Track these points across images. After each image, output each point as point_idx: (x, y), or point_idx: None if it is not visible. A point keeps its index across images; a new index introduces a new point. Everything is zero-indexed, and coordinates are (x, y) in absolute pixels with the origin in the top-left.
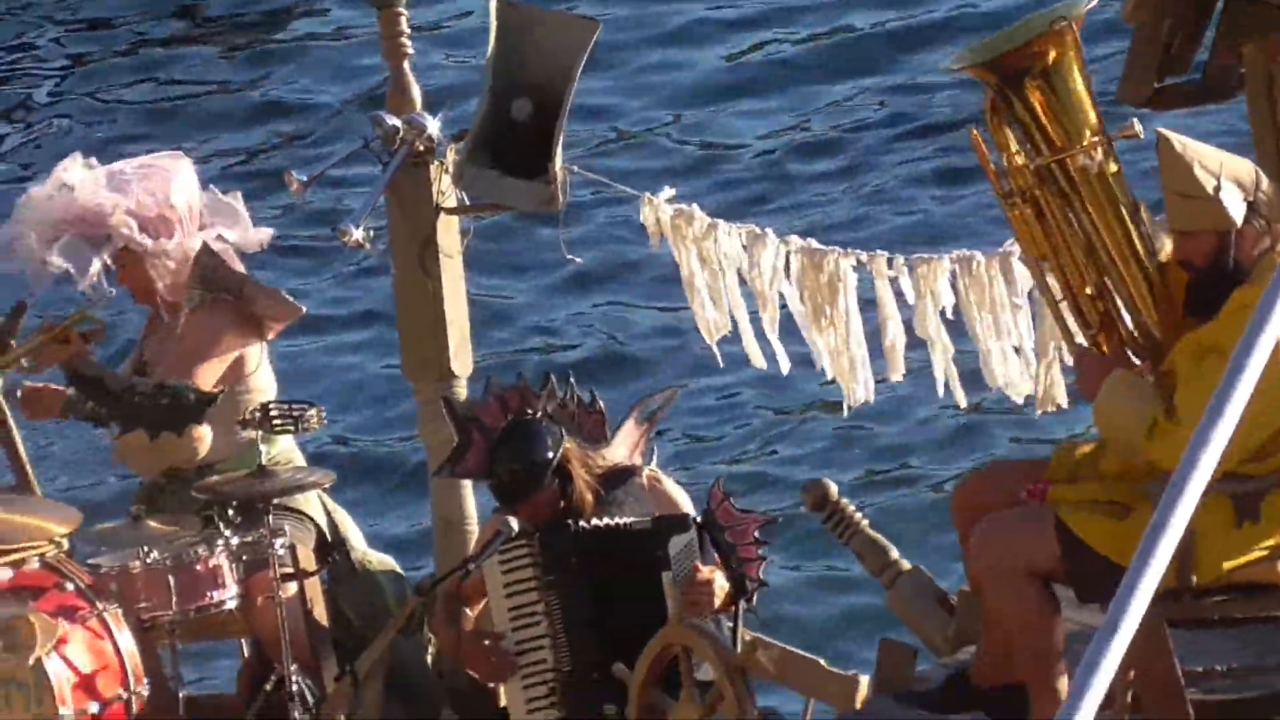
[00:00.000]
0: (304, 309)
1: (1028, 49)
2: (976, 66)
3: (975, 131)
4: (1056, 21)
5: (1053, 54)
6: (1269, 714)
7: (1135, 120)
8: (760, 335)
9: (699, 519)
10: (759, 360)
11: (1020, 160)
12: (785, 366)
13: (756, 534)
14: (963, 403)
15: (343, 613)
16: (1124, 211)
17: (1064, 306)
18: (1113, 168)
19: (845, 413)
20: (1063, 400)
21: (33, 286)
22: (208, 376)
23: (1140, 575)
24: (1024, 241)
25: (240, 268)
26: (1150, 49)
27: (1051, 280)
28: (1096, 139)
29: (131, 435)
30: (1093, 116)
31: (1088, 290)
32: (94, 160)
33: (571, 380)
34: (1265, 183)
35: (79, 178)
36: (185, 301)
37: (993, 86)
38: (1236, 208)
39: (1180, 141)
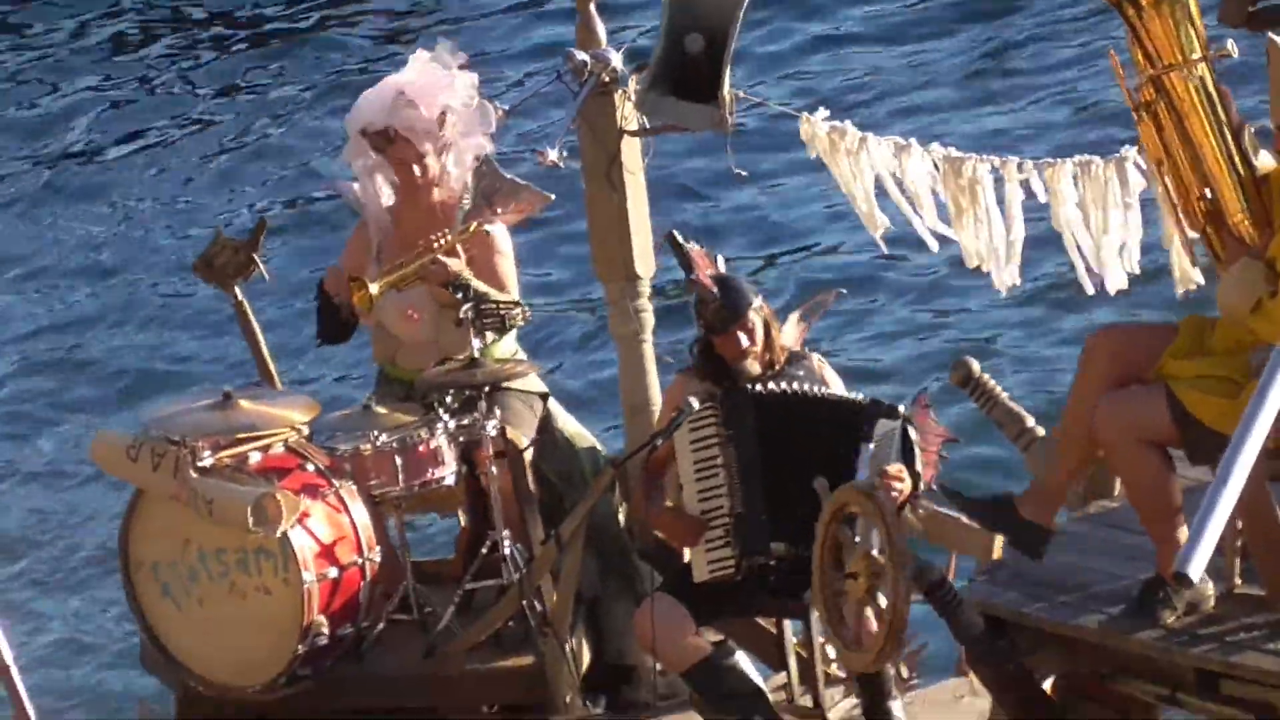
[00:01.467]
0: (551, 196)
1: None
2: None
3: (1113, 52)
4: None
5: None
6: None
7: (1231, 41)
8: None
9: (905, 415)
10: (932, 244)
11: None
12: (957, 247)
13: (941, 447)
14: (1089, 289)
15: (546, 476)
16: (1221, 125)
17: (1176, 208)
18: (1211, 84)
19: (1003, 293)
20: (1199, 279)
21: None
22: (514, 286)
23: (1248, 432)
24: (1147, 148)
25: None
26: None
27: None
28: (1196, 57)
29: (420, 329)
30: (1200, 37)
31: (1194, 194)
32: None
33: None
34: None
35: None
36: (458, 212)
37: (1112, 3)
38: None
39: None
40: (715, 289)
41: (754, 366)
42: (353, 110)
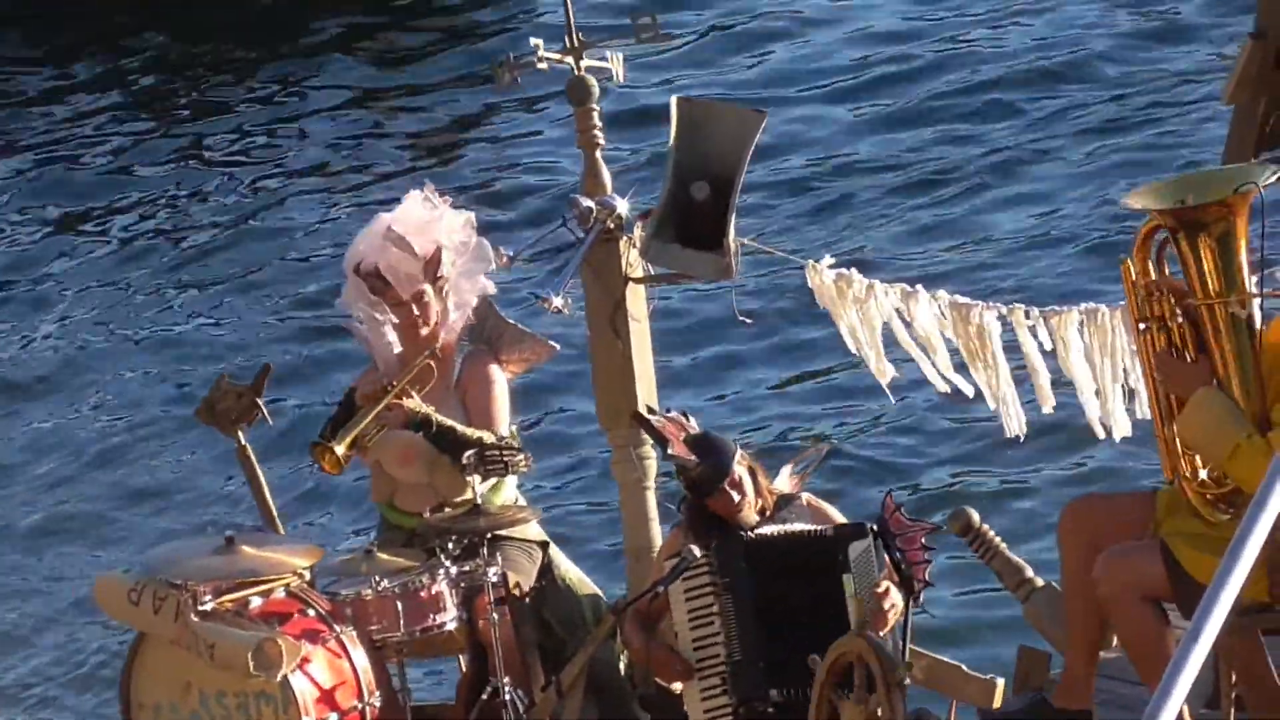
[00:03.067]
0: (558, 347)
1: (1214, 206)
2: (1162, 211)
3: (1126, 261)
4: (1244, 187)
5: (1231, 214)
6: None
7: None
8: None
9: (874, 527)
10: (944, 387)
11: (1166, 293)
12: (970, 391)
13: (924, 540)
14: (1100, 434)
15: (548, 623)
16: (1248, 356)
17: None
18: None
19: (1019, 438)
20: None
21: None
22: (503, 425)
23: (1221, 588)
24: (1145, 364)
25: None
26: (1247, 127)
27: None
28: (1251, 293)
29: (416, 472)
30: (1245, 273)
31: None
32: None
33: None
34: None
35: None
36: (458, 350)
37: (1168, 227)
38: None
39: None
40: (695, 457)
41: (751, 516)
42: (348, 250)
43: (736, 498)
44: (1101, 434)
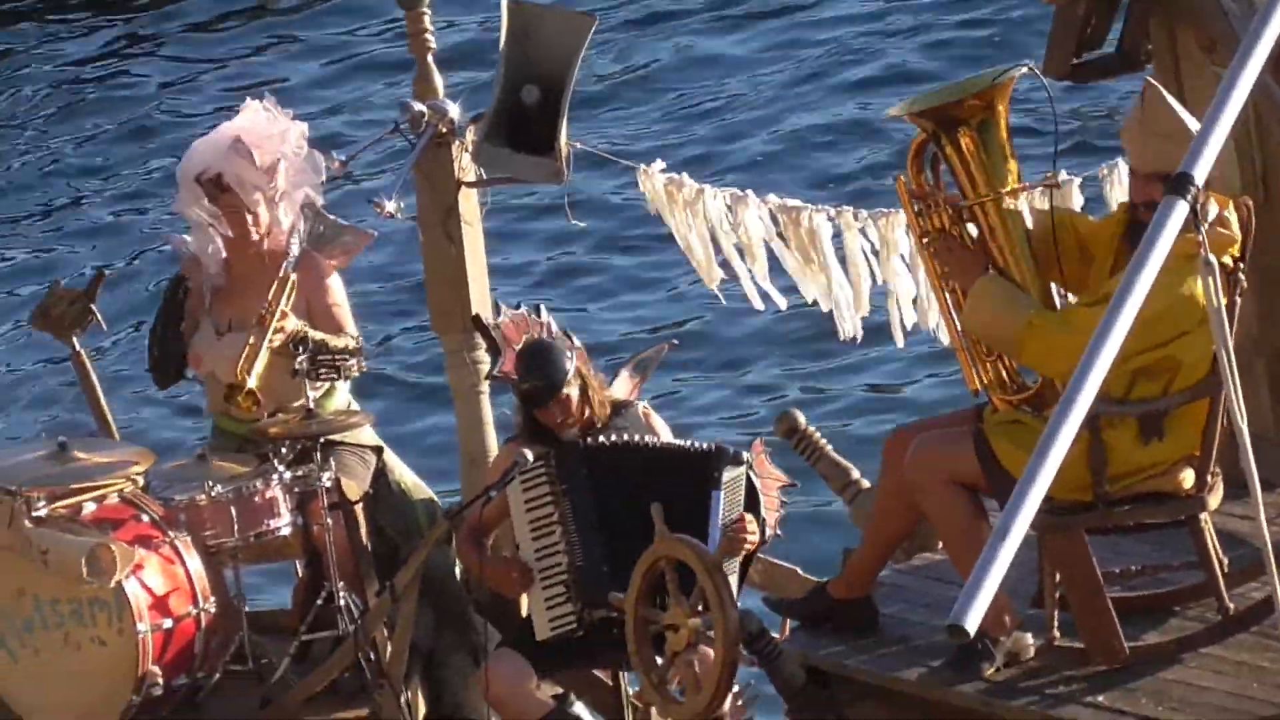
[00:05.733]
0: (374, 233)
1: (971, 100)
2: (916, 114)
3: (901, 179)
4: (1001, 78)
5: (987, 108)
6: (1175, 605)
7: (1054, 170)
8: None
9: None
10: (757, 303)
11: (943, 204)
12: (783, 304)
13: (779, 492)
14: (900, 342)
15: (382, 528)
16: (1030, 248)
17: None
18: (1031, 210)
19: (844, 339)
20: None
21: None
22: (350, 324)
23: (1030, 485)
24: (933, 278)
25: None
26: (1069, 28)
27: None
28: (1022, 186)
29: (280, 385)
30: (1014, 165)
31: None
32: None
33: (544, 311)
34: None
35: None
36: (287, 260)
37: (928, 132)
38: None
39: (1164, 90)
40: (523, 373)
41: (576, 430)
42: (186, 157)
43: (564, 413)
44: (901, 342)
